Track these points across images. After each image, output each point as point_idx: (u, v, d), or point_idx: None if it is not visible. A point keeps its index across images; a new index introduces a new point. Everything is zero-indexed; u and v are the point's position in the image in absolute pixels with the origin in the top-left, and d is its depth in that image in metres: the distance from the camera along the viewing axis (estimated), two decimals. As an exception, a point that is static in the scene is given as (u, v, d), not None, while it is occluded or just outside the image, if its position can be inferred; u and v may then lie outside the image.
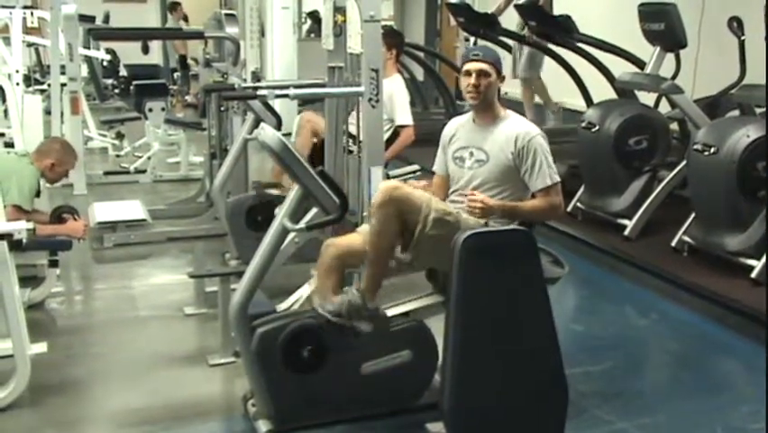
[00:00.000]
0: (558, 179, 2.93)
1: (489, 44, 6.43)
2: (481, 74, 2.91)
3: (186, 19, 12.38)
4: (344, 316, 2.71)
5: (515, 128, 2.94)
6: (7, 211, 3.64)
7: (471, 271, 2.60)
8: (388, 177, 3.69)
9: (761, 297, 3.88)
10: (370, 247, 2.77)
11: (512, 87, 7.82)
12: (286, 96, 3.36)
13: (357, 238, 2.92)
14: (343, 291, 2.77)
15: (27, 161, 4.05)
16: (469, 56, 2.97)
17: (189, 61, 11.71)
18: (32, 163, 4.05)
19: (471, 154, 2.98)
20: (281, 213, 2.71)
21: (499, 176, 2.92)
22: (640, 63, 5.61)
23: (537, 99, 7.80)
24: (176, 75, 11.76)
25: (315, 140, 4.72)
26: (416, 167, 4.44)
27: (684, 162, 4.94)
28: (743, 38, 5.45)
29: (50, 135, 6.68)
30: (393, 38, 4.78)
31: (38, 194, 4.12)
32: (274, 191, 5.00)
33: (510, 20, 7.22)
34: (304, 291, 3.50)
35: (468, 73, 2.94)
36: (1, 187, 3.74)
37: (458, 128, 3.09)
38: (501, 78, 2.98)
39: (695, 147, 4.56)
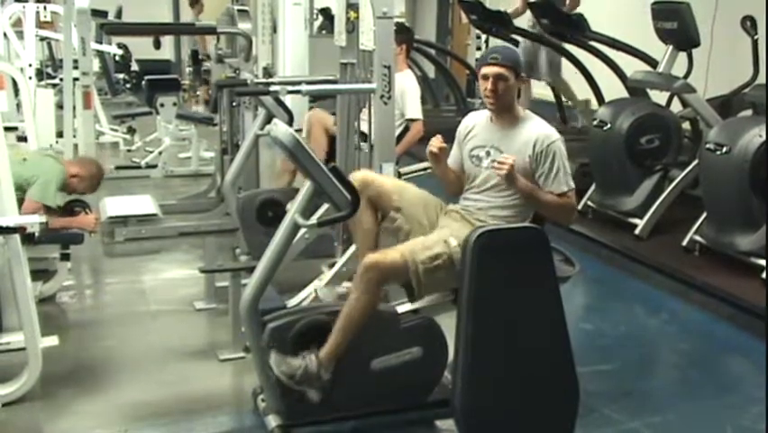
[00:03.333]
0: (573, 185, 2.88)
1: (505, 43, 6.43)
2: (499, 78, 2.84)
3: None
4: (296, 380, 2.65)
5: (534, 131, 2.88)
6: (27, 206, 3.66)
7: (483, 269, 2.59)
8: (399, 174, 3.69)
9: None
10: (348, 315, 2.68)
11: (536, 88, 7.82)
12: (298, 92, 3.37)
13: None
14: (302, 356, 2.68)
15: (54, 160, 4.08)
16: (487, 59, 2.89)
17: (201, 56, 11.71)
18: (60, 162, 4.09)
19: (488, 154, 2.94)
20: (293, 209, 2.71)
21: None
22: (652, 62, 5.59)
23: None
24: (188, 69, 11.76)
25: (326, 137, 4.72)
26: (427, 164, 4.43)
27: (696, 162, 4.92)
28: (756, 37, 5.43)
29: (62, 130, 6.72)
30: (402, 34, 4.78)
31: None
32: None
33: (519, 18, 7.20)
34: (314, 287, 3.51)
35: (485, 77, 2.86)
36: (28, 183, 3.79)
37: (475, 125, 3.04)
38: (521, 79, 2.90)
39: (707, 146, 4.54)
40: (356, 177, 3.01)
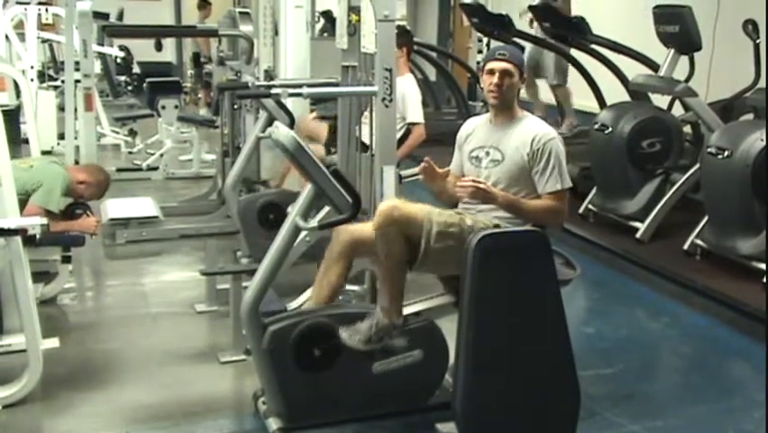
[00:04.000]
0: (569, 185, 2.88)
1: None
2: (505, 74, 2.87)
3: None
4: (375, 340, 2.70)
5: (532, 129, 2.91)
6: (28, 210, 3.67)
7: (485, 271, 2.59)
8: (400, 177, 3.69)
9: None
10: (380, 268, 2.76)
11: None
12: (299, 94, 3.36)
13: (369, 227, 2.87)
14: (368, 315, 2.73)
15: (59, 166, 4.09)
16: (494, 54, 2.92)
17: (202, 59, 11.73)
18: (65, 168, 4.10)
19: (488, 154, 2.96)
20: (294, 211, 2.71)
21: (514, 176, 2.89)
22: (654, 65, 5.59)
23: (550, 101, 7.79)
24: (189, 72, 11.79)
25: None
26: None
27: (697, 165, 4.92)
28: (758, 41, 5.42)
29: (63, 132, 6.72)
30: (403, 37, 4.78)
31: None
32: (262, 188, 4.99)
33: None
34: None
35: (491, 72, 2.89)
36: (33, 189, 3.80)
37: (475, 128, 3.06)
38: (523, 79, 2.94)
39: (709, 150, 4.54)
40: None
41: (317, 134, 4.74)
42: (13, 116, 4.62)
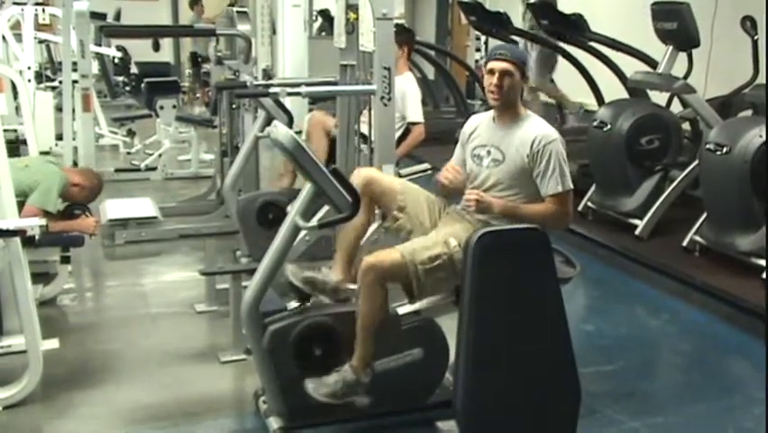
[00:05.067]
0: (570, 187, 2.86)
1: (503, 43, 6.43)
2: (505, 74, 2.83)
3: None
4: (339, 396, 2.69)
5: (533, 130, 2.88)
6: (26, 211, 3.66)
7: (485, 269, 2.59)
8: (399, 176, 3.69)
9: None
10: (362, 321, 2.72)
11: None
12: (298, 93, 3.37)
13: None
14: (336, 370, 2.71)
15: (55, 166, 4.09)
16: (494, 54, 2.88)
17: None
18: (59, 166, 4.10)
19: (489, 153, 2.94)
20: (293, 211, 2.71)
21: (514, 177, 2.88)
22: (652, 62, 5.59)
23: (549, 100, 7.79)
24: (187, 72, 11.78)
25: (326, 138, 4.72)
26: (426, 165, 4.43)
27: (696, 162, 4.92)
28: (756, 37, 5.43)
29: (61, 132, 6.72)
30: (404, 35, 4.77)
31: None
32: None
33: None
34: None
35: (491, 72, 2.86)
36: (30, 189, 3.79)
37: (478, 125, 3.03)
38: (525, 78, 2.90)
39: (707, 147, 4.54)
40: (360, 174, 3.02)
41: (329, 126, 4.72)
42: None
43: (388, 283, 2.76)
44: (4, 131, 3.57)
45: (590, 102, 7.02)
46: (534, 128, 2.90)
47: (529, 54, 7.20)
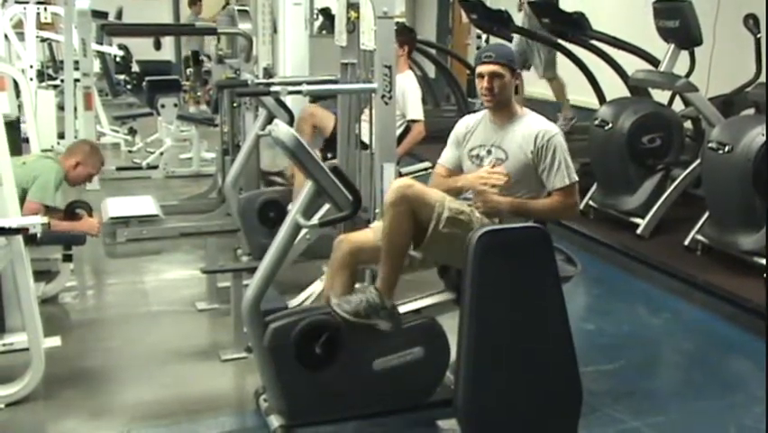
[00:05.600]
0: (576, 178, 2.89)
1: (501, 41, 6.43)
2: (494, 76, 2.86)
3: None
4: (362, 315, 2.69)
5: (534, 126, 2.90)
6: (28, 207, 3.67)
7: (486, 268, 2.59)
8: (400, 174, 3.69)
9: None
10: (384, 246, 2.74)
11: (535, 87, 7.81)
12: (299, 92, 3.36)
13: (369, 234, 2.91)
14: (360, 290, 2.75)
15: (51, 160, 4.10)
16: (481, 57, 2.91)
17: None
18: (58, 162, 4.11)
19: (490, 153, 2.95)
20: (294, 209, 2.71)
21: (518, 174, 2.89)
22: (654, 61, 5.58)
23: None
24: (188, 70, 11.76)
25: (314, 135, 4.72)
26: (427, 164, 4.43)
27: (698, 161, 4.91)
28: (759, 35, 5.42)
29: (63, 131, 6.73)
30: (405, 35, 4.77)
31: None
32: (278, 179, 5.00)
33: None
34: (316, 287, 3.51)
35: (481, 76, 2.89)
36: (28, 184, 3.81)
37: (473, 126, 3.05)
38: (516, 75, 2.92)
39: (709, 145, 4.53)
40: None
41: (325, 123, 4.72)
42: (14, 126, 4.65)
43: (414, 211, 2.73)
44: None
45: (589, 100, 7.01)
46: (535, 124, 2.92)
47: (534, 52, 7.18)
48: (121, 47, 9.83)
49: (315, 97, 5.61)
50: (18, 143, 4.69)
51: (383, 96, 3.27)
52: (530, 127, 2.91)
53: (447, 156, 3.12)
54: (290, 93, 3.47)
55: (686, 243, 4.79)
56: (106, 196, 4.81)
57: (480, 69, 2.90)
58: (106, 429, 2.97)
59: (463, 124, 3.10)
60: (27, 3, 7.63)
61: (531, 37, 7.02)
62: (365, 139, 3.65)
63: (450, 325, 2.79)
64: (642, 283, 4.68)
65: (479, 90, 2.93)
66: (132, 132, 8.39)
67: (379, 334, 2.75)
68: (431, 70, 9.91)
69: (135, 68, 10.35)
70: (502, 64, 2.87)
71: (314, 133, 4.74)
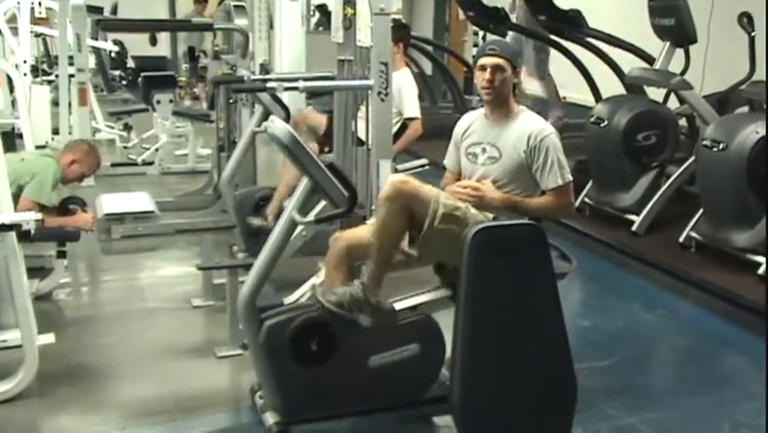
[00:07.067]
0: (570, 178, 2.89)
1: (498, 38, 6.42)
2: (496, 69, 2.85)
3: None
4: (345, 307, 2.67)
5: (528, 125, 2.89)
6: (21, 204, 3.66)
7: (481, 265, 2.59)
8: (396, 171, 3.69)
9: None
10: (376, 241, 2.74)
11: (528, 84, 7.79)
12: (295, 88, 3.36)
13: (366, 231, 2.89)
14: (346, 284, 2.74)
15: (51, 159, 4.09)
16: (485, 50, 2.91)
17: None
18: (56, 160, 4.10)
19: (484, 150, 2.95)
20: (290, 206, 2.71)
21: (511, 173, 2.89)
22: (649, 59, 5.59)
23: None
24: (184, 66, 11.75)
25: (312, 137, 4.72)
26: (424, 161, 4.44)
27: (693, 158, 4.92)
28: (753, 34, 5.43)
29: (57, 127, 6.71)
30: (399, 31, 4.77)
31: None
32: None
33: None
34: (311, 284, 3.50)
35: (482, 68, 2.88)
36: (25, 182, 3.80)
37: (471, 123, 3.05)
38: (516, 73, 2.92)
39: (704, 143, 4.54)
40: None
41: (317, 126, 4.72)
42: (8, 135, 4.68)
43: (408, 207, 2.72)
44: None
45: (585, 97, 7.02)
46: (529, 123, 2.91)
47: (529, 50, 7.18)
48: (116, 42, 9.81)
49: (311, 95, 5.62)
50: (12, 148, 4.69)
51: (379, 93, 3.27)
52: (524, 126, 2.90)
53: (450, 158, 3.13)
54: (286, 89, 3.47)
55: (681, 240, 4.80)
56: (101, 192, 4.80)
57: (483, 61, 2.88)
58: (101, 426, 2.96)
59: (461, 123, 3.10)
60: (21, -3, 7.61)
61: (530, 36, 7.02)
62: (361, 136, 3.65)
63: (445, 322, 2.79)
64: (636, 280, 4.70)
65: (478, 83, 2.92)
66: (128, 128, 8.37)
67: (375, 330, 2.75)
68: (428, 67, 9.90)
69: (131, 63, 10.34)
70: (506, 59, 2.87)
71: (307, 134, 4.74)
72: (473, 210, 2.81)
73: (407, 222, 2.73)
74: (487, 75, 2.86)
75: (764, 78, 4.99)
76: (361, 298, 2.69)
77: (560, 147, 2.88)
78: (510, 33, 7.00)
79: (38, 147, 4.58)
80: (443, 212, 2.72)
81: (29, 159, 4.01)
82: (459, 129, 3.09)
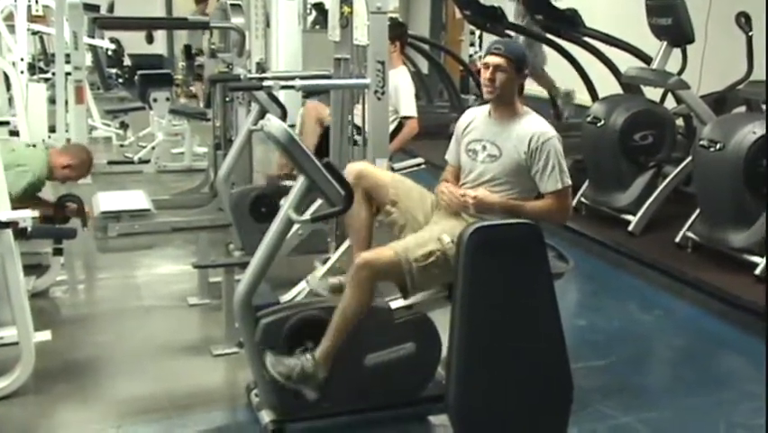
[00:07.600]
0: (569, 183, 2.88)
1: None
2: (497, 68, 2.85)
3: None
4: (293, 380, 2.66)
5: (531, 127, 2.89)
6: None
7: (477, 265, 2.59)
8: (392, 170, 3.69)
9: (765, 294, 3.87)
10: (341, 317, 2.69)
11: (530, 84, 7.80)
12: (291, 87, 3.36)
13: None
14: (297, 356, 2.69)
15: (41, 152, 4.07)
16: (490, 49, 2.91)
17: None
18: (47, 154, 4.08)
19: (484, 148, 2.94)
20: (286, 204, 2.71)
21: (510, 173, 2.88)
22: (646, 58, 5.59)
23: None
24: (181, 64, 11.72)
25: (319, 129, 4.72)
26: (420, 160, 4.42)
27: (690, 158, 4.93)
28: (750, 33, 5.43)
29: (54, 124, 6.69)
30: (395, 30, 4.76)
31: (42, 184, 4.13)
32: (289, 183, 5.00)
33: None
34: (307, 282, 3.50)
35: (486, 66, 2.89)
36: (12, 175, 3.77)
37: (474, 119, 3.04)
38: (522, 74, 2.91)
39: (701, 143, 4.54)
40: (353, 168, 3.02)
41: (325, 118, 4.72)
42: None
43: (380, 281, 2.76)
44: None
45: (582, 97, 7.02)
46: (532, 125, 2.90)
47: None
48: (113, 40, 9.78)
49: (309, 93, 5.61)
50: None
51: (376, 92, 3.27)
52: (527, 128, 2.89)
53: (451, 152, 3.13)
54: (283, 88, 3.47)
55: (677, 240, 4.80)
56: (98, 190, 4.80)
57: (487, 59, 2.90)
58: (97, 424, 2.96)
59: (465, 117, 3.10)
60: (18, -5, 7.58)
61: (527, 36, 7.03)
62: (357, 137, 3.64)
63: (441, 321, 2.79)
64: (633, 280, 4.70)
65: (482, 81, 2.93)
66: (124, 126, 8.35)
67: (372, 329, 2.75)
68: (424, 66, 9.90)
69: (127, 61, 10.30)
70: (509, 59, 2.86)
71: (318, 126, 4.75)
72: (447, 238, 2.77)
73: (371, 299, 2.73)
74: (488, 74, 2.87)
75: (763, 78, 4.99)
76: (311, 373, 2.68)
77: (561, 151, 2.88)
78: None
79: (27, 146, 4.56)
80: (418, 266, 2.73)
81: (18, 150, 4.01)
82: (461, 124, 3.08)
